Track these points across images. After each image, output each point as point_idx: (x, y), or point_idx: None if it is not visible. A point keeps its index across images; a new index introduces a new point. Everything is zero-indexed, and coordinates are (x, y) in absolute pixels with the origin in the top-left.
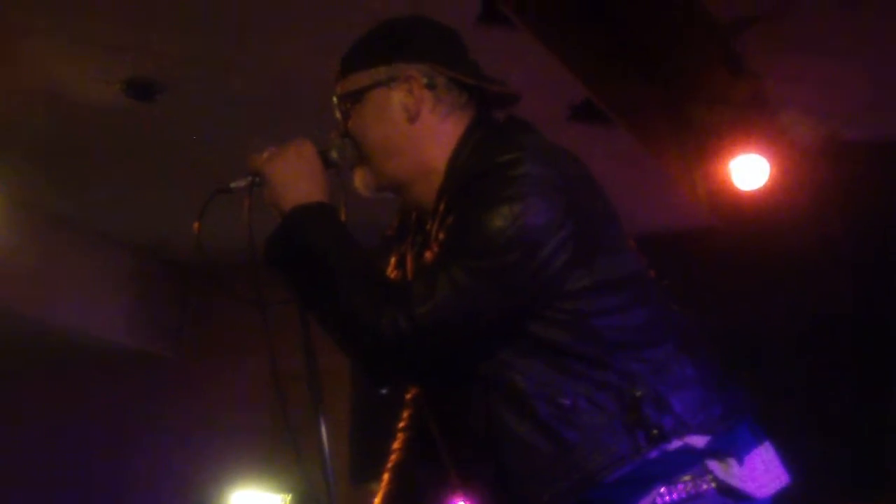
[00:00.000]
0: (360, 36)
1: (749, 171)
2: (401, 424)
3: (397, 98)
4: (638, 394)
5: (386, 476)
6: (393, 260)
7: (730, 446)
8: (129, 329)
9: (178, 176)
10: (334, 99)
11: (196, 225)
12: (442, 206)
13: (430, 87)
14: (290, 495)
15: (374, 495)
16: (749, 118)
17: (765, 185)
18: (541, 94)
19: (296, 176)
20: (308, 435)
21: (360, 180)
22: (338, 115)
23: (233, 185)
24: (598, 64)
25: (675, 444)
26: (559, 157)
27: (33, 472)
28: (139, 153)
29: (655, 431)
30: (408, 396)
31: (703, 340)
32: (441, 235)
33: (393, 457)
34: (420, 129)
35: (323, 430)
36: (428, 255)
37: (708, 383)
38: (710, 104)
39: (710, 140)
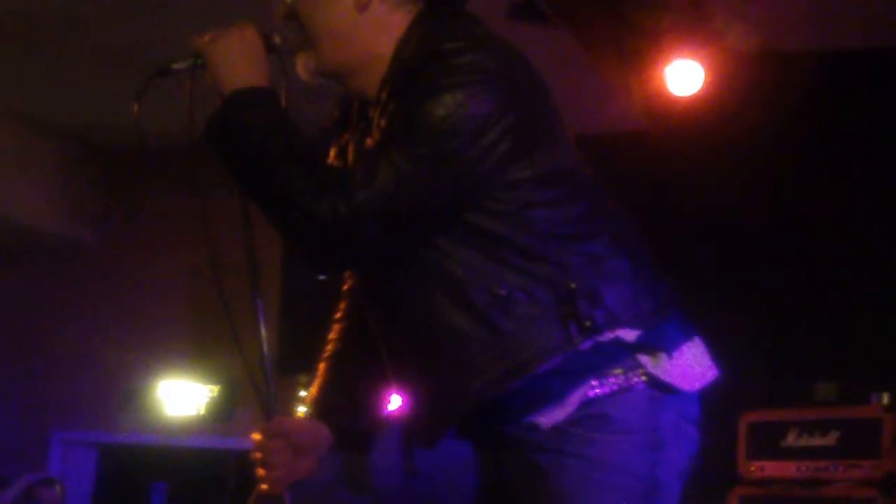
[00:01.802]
0: None
1: (684, 76)
2: (336, 315)
3: None
4: (572, 286)
5: (321, 366)
6: (333, 150)
7: (660, 340)
8: (51, 215)
9: (108, 58)
10: None
11: (136, 107)
12: (385, 94)
13: None
14: (217, 385)
15: (302, 386)
16: (686, 23)
17: (698, 92)
18: None
19: (237, 59)
20: (241, 325)
21: (302, 65)
22: None
23: (174, 66)
24: None
25: (607, 335)
26: (503, 49)
27: None
28: (68, 33)
29: (588, 323)
30: (344, 287)
31: (636, 237)
32: (383, 123)
33: (328, 346)
34: (369, 19)
35: (261, 319)
36: (369, 142)
37: (640, 278)
38: (649, 6)
39: (646, 44)
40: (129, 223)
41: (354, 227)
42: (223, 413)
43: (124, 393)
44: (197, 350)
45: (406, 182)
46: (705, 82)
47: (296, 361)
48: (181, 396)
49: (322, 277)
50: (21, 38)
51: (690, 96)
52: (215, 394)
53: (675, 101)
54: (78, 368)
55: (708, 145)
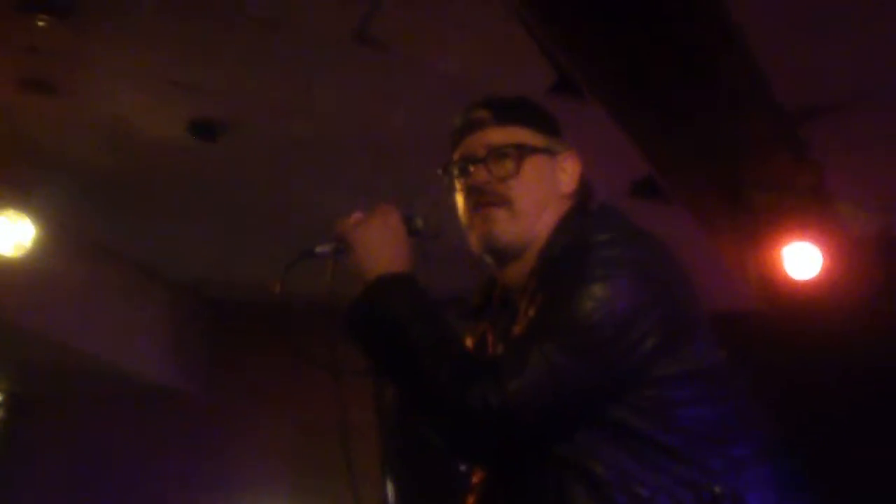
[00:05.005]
0: (509, 95)
1: (802, 259)
2: None
3: (554, 169)
4: (717, 490)
5: None
6: (470, 339)
7: None
8: (160, 364)
9: (226, 217)
10: (478, 137)
11: (278, 286)
12: (533, 283)
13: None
14: None
15: None
16: (806, 206)
17: (817, 275)
18: (604, 167)
19: (380, 244)
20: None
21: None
22: (461, 152)
23: (317, 249)
24: (662, 142)
25: None
26: (650, 242)
27: (50, 498)
28: (191, 192)
29: None
30: (474, 480)
31: (779, 441)
32: (531, 312)
33: None
34: (554, 203)
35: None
36: (516, 330)
37: (784, 486)
38: (769, 189)
39: (765, 225)
40: (230, 378)
41: (505, 418)
42: None
43: None
44: None
45: (557, 372)
46: (823, 266)
47: None
48: None
49: (462, 469)
50: (148, 193)
51: (808, 280)
52: None
53: (792, 284)
54: None
55: (824, 329)
